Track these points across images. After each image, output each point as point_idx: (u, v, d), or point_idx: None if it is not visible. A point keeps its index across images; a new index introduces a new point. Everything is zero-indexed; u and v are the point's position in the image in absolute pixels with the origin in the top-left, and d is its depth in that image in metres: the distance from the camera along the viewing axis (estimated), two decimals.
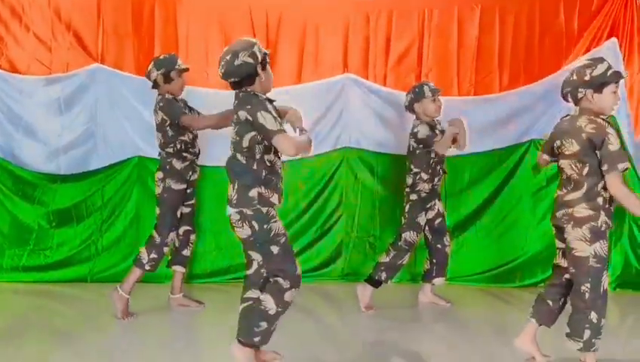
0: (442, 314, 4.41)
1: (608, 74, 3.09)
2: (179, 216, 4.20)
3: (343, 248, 5.22)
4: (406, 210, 4.41)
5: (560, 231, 3.23)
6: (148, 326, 4.01)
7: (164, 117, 4.06)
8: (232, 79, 3.00)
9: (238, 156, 3.01)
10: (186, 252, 4.39)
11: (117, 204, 5.06)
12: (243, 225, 3.00)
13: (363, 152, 5.20)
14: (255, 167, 2.98)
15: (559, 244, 3.29)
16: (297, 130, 3.04)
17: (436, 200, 4.47)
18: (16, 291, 4.75)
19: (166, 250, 4.19)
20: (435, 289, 4.58)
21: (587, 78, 3.10)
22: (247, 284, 3.16)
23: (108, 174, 5.05)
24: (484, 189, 5.18)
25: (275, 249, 3.02)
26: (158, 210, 4.17)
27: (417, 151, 4.35)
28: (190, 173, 4.21)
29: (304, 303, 4.31)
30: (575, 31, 5.16)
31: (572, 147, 3.11)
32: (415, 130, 4.36)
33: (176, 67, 4.11)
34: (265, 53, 3.04)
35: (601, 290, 3.09)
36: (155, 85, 4.14)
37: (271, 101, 3.06)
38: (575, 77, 3.14)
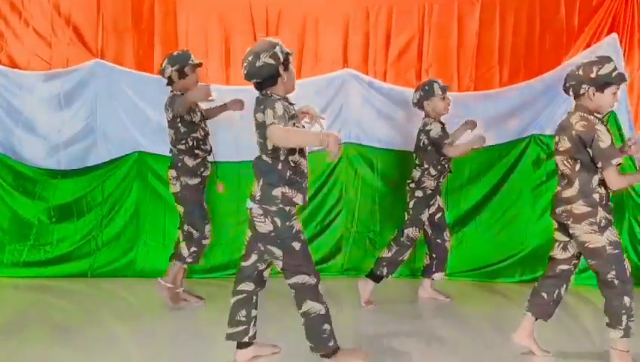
0: (442, 309, 4.41)
1: (613, 75, 3.10)
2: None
3: (343, 243, 5.23)
4: (410, 206, 4.40)
5: (562, 226, 3.24)
6: (148, 320, 4.02)
7: (174, 113, 4.07)
8: (255, 80, 3.00)
9: (264, 157, 3.02)
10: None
11: (117, 199, 5.07)
12: (265, 220, 3.00)
13: (363, 148, 5.19)
14: (280, 167, 2.99)
15: (559, 238, 3.30)
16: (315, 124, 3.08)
17: (437, 196, 4.48)
18: (17, 286, 4.77)
19: (205, 242, 4.22)
20: (434, 284, 4.58)
21: (593, 75, 3.10)
22: (239, 277, 3.19)
23: (108, 169, 5.06)
24: (484, 184, 5.17)
25: (297, 245, 3.04)
26: (181, 209, 4.19)
27: (429, 148, 4.33)
28: (202, 169, 4.22)
29: None
30: (575, 26, 5.16)
31: (565, 143, 3.14)
32: (427, 128, 4.33)
33: (190, 62, 4.11)
34: (287, 53, 3.02)
35: (627, 274, 3.11)
36: (170, 82, 4.13)
37: (288, 101, 3.05)
38: (581, 72, 3.14)
